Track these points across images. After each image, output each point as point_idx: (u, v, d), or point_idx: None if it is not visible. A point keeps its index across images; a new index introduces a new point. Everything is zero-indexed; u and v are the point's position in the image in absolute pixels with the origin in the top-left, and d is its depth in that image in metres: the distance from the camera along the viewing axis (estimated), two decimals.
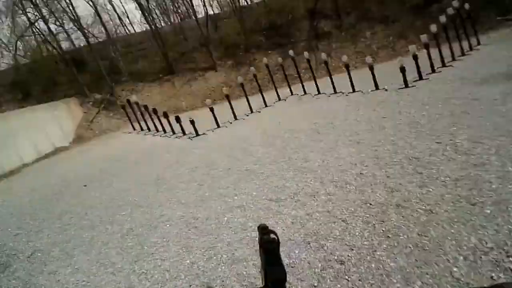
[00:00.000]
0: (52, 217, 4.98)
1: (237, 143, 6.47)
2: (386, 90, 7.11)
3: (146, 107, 10.35)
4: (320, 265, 2.54)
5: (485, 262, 2.05)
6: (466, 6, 8.44)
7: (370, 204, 3.11)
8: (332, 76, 8.65)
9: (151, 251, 3.33)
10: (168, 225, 3.80)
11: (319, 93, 8.90)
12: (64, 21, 17.07)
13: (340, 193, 3.48)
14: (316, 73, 10.06)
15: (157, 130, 9.97)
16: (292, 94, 9.89)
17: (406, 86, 6.79)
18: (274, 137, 6.09)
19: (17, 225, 5.03)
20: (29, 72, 15.94)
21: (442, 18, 7.77)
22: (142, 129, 11.05)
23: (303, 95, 9.48)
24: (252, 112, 9.11)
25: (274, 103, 9.56)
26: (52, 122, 12.05)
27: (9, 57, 18.67)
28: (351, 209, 3.15)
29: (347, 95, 7.84)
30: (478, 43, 8.80)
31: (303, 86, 9.62)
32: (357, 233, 2.78)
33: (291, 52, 10.03)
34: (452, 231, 2.38)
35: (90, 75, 15.83)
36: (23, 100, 15.30)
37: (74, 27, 16.87)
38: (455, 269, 2.07)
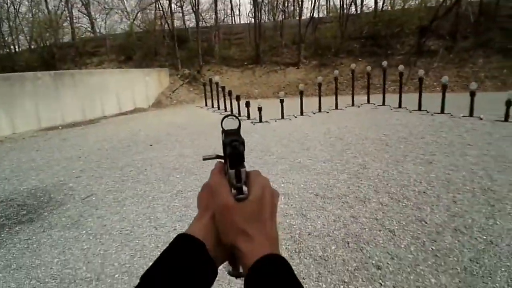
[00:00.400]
0: (115, 167, 5.43)
1: (297, 137, 6.52)
2: (481, 119, 6.31)
3: (223, 88, 11.13)
4: (355, 265, 2.49)
5: None
6: None
7: (426, 222, 2.89)
8: (422, 94, 7.98)
9: (193, 215, 3.63)
10: None
11: (400, 106, 8.32)
12: (184, 2, 19.34)
13: (394, 206, 3.30)
14: (404, 88, 9.41)
15: (225, 110, 10.64)
16: (368, 102, 9.46)
17: (506, 120, 5.92)
18: (336, 139, 5.97)
19: (82, 168, 5.51)
20: (138, 40, 18.48)
21: None
22: (213, 106, 11.93)
23: (380, 105, 8.99)
24: (320, 111, 9.03)
25: (346, 107, 9.29)
26: (140, 86, 13.76)
27: (126, 24, 21.97)
28: (403, 222, 2.97)
29: (432, 115, 7.18)
30: None
31: (384, 97, 9.11)
32: (402, 246, 2.64)
33: (384, 63, 9.56)
34: (508, 263, 2.09)
35: (187, 52, 17.61)
36: (123, 62, 17.88)
37: (191, 9, 18.94)
38: None
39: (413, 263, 2.35)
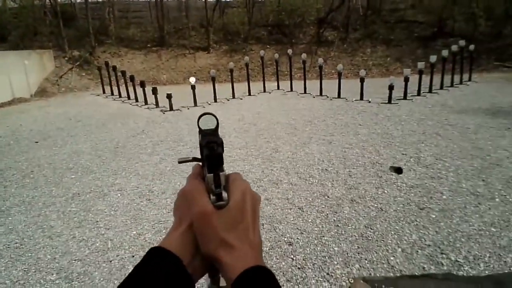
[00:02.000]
0: None
1: None
2: (369, 102, 7.48)
3: (123, 72, 10.09)
4: (269, 244, 2.65)
5: (420, 256, 2.25)
6: (471, 47, 9.15)
7: (328, 196, 3.28)
8: (323, 81, 8.94)
9: (96, 219, 3.27)
10: (119, 195, 3.75)
11: (305, 92, 9.15)
12: None
13: (302, 184, 3.63)
14: (308, 75, 10.33)
15: (129, 98, 9.76)
16: (278, 88, 10.08)
17: (389, 102, 7.18)
18: (250, 125, 6.18)
19: None
20: (12, 17, 15.00)
21: (444, 52, 8.33)
22: (112, 94, 10.76)
23: (289, 91, 9.70)
24: (234, 97, 9.18)
25: (258, 93, 9.68)
26: (18, 71, 11.36)
27: None
28: (309, 199, 3.31)
29: (331, 100, 8.15)
30: (469, 79, 9.44)
31: (291, 84, 9.84)
32: (310, 220, 2.94)
33: (289, 51, 10.24)
34: (397, 227, 2.59)
35: (75, 32, 15.17)
36: None
37: None
38: (392, 258, 2.26)
39: (319, 235, 2.64)
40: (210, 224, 0.38)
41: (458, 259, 2.26)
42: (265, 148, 4.87)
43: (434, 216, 2.73)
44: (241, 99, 9.15)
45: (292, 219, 2.99)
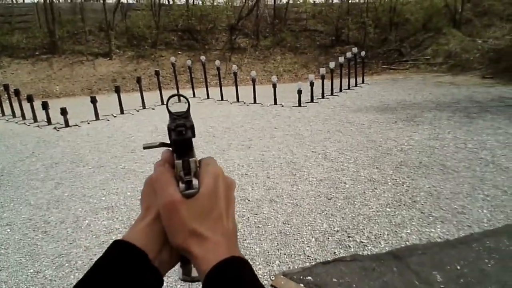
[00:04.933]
0: None
1: (117, 139, 6.05)
2: (282, 106, 8.12)
3: (6, 86, 8.62)
4: None
5: (331, 242, 2.55)
6: (362, 53, 10.82)
7: (248, 200, 3.41)
8: (238, 87, 9.26)
9: None
10: (8, 230, 3.22)
11: (222, 99, 9.32)
12: None
13: None
14: (223, 81, 10.54)
15: (14, 116, 8.35)
16: (194, 96, 10.01)
17: (299, 105, 7.93)
18: (165, 136, 5.94)
19: None
20: None
21: (341, 59, 9.66)
22: None
23: (205, 98, 9.73)
24: (144, 108, 8.74)
25: None
26: None
27: None
28: None
29: (248, 105, 8.53)
30: (363, 82, 11.05)
31: (207, 91, 9.90)
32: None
33: (203, 57, 10.28)
34: (310, 219, 2.87)
35: None
36: None
37: None
38: (307, 248, 2.49)
39: (241, 239, 2.73)
40: (178, 214, 0.36)
41: (362, 240, 2.63)
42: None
43: (340, 204, 3.12)
44: (153, 109, 8.78)
45: None
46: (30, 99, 7.62)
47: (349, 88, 10.11)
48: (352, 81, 10.48)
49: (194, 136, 0.40)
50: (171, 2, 18.16)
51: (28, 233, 3.15)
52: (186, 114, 0.42)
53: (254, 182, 3.81)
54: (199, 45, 15.83)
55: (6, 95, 8.79)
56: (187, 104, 0.42)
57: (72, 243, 2.96)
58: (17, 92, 8.09)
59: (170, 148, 0.43)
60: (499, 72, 10.31)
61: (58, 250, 2.86)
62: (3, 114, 8.82)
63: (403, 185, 3.56)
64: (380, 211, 3.06)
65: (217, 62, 9.90)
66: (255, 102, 8.65)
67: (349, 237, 2.63)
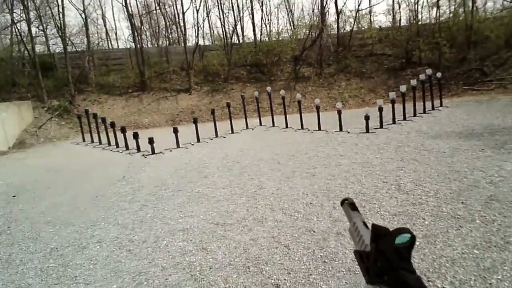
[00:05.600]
0: None
1: (194, 165, 6.50)
2: (349, 132, 7.78)
3: (104, 119, 10.15)
4: None
5: None
6: (438, 74, 9.94)
7: (314, 231, 3.28)
8: (302, 114, 9.29)
9: (75, 274, 3.14)
10: (98, 247, 3.64)
11: (286, 127, 9.42)
12: (48, 26, 16.85)
13: (288, 220, 3.63)
14: (288, 110, 10.73)
15: (109, 144, 9.70)
16: (260, 124, 10.33)
17: (367, 131, 7.50)
18: (234, 163, 6.24)
19: None
20: None
21: (413, 82, 8.96)
22: (93, 141, 10.69)
23: (271, 126, 9.96)
24: (217, 136, 9.31)
25: (241, 130, 9.88)
26: None
27: None
28: (295, 235, 3.29)
29: (312, 132, 8.43)
30: (441, 105, 10.03)
31: (272, 119, 10.14)
32: (296, 258, 2.90)
33: (268, 88, 10.71)
34: None
35: (54, 81, 15.38)
36: None
37: (57, 33, 16.71)
38: None
39: (306, 273, 2.61)
40: None
41: (445, 285, 2.27)
42: (249, 186, 4.89)
43: (417, 243, 2.77)
44: (224, 137, 9.29)
45: (278, 258, 2.95)
46: (123, 130, 8.79)
47: (424, 112, 9.25)
48: (428, 104, 9.57)
49: None
50: (241, 41, 19.58)
51: (115, 251, 3.48)
52: (409, 250, 0.38)
53: (319, 212, 3.66)
54: (265, 77, 16.53)
55: (103, 127, 10.27)
56: (410, 236, 0.38)
57: (151, 262, 3.19)
58: (112, 124, 9.42)
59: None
60: None
61: (139, 269, 3.10)
62: (100, 143, 10.31)
63: (493, 223, 3.03)
64: (466, 253, 2.63)
65: (282, 92, 10.14)
66: (319, 129, 8.52)
67: (429, 281, 2.30)
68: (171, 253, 3.31)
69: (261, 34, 19.19)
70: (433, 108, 9.63)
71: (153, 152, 7.98)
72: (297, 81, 15.96)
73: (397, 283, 0.36)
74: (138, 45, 16.90)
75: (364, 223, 0.48)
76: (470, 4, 15.48)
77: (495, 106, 9.17)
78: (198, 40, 18.70)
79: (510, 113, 7.84)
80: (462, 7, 15.93)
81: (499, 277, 2.29)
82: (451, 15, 16.28)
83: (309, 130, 8.74)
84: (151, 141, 7.96)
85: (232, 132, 9.74)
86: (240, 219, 3.82)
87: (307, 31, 17.53)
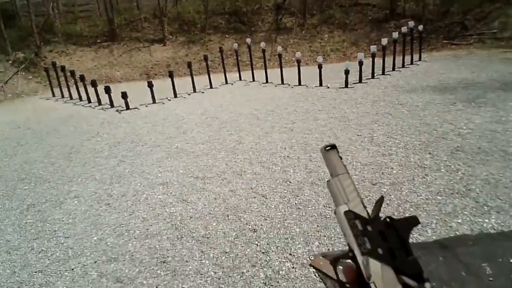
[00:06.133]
0: None
1: (172, 121, 6.42)
2: (328, 87, 7.81)
3: (72, 72, 9.53)
4: (234, 234, 2.76)
5: None
6: (420, 27, 9.77)
7: (290, 182, 3.45)
8: (283, 69, 9.13)
9: (54, 229, 3.20)
10: (76, 202, 3.67)
11: (267, 82, 9.29)
12: None
13: (266, 173, 3.77)
14: (268, 63, 10.46)
15: (81, 99, 9.28)
16: (240, 79, 10.12)
17: (346, 86, 7.56)
18: (213, 118, 6.20)
19: None
20: None
21: (395, 34, 8.83)
22: (63, 96, 10.16)
23: (251, 81, 9.78)
24: (195, 91, 9.09)
25: (220, 85, 9.67)
26: None
27: None
28: (272, 186, 3.45)
29: (292, 87, 8.39)
30: (420, 59, 10.08)
31: (253, 74, 9.92)
32: (273, 206, 3.08)
33: (248, 40, 10.26)
34: None
35: (18, 31, 13.95)
36: None
37: None
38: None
39: (281, 219, 2.80)
40: None
41: None
42: (228, 141, 4.94)
43: (385, 189, 3.00)
44: (203, 92, 9.09)
45: (256, 207, 3.12)
46: (94, 84, 8.36)
47: (403, 66, 9.32)
48: (408, 58, 9.63)
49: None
50: None
51: (93, 205, 3.55)
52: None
53: (296, 165, 3.81)
54: (245, 27, 15.74)
55: (72, 80, 9.69)
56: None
57: (131, 214, 3.29)
58: (82, 78, 8.90)
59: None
60: None
61: (119, 221, 3.20)
62: (71, 98, 9.83)
63: (457, 172, 3.29)
64: (430, 199, 2.88)
65: (263, 44, 9.78)
66: (299, 84, 8.46)
67: None
68: (151, 205, 3.41)
69: None
70: (411, 63, 9.71)
71: (127, 108, 7.74)
72: (278, 33, 15.36)
73: (410, 266, 0.35)
74: None
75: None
76: None
77: (472, 61, 9.37)
78: None
79: (485, 68, 8.07)
80: None
81: (459, 221, 2.56)
82: None
83: (289, 85, 8.68)
84: (124, 95, 7.67)
85: (211, 87, 9.51)
86: (220, 173, 3.93)
87: None
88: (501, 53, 9.93)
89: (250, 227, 2.81)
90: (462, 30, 13.03)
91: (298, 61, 8.49)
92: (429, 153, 3.75)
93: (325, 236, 2.47)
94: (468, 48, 11.71)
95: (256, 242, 2.59)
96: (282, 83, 8.90)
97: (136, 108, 7.82)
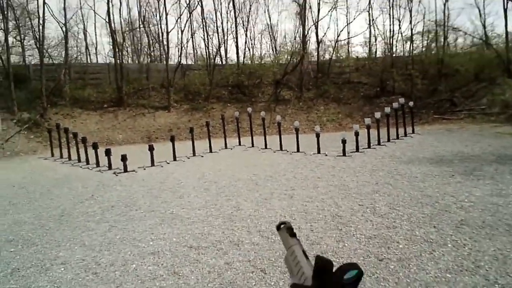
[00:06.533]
0: None
1: (168, 185, 6.34)
2: (326, 155, 7.96)
3: (75, 134, 9.79)
4: None
5: None
6: (411, 103, 10.59)
7: None
8: (282, 136, 9.43)
9: None
10: (62, 269, 3.40)
11: (266, 147, 9.49)
12: (26, 37, 16.42)
13: (265, 243, 3.57)
14: (267, 131, 10.87)
15: (79, 161, 9.31)
16: (240, 144, 10.35)
17: (344, 155, 7.73)
18: (211, 183, 6.14)
19: None
20: None
21: (387, 109, 9.47)
22: (61, 157, 10.21)
23: (250, 147, 9.99)
24: (194, 155, 9.19)
25: (219, 150, 9.83)
26: None
27: None
28: (272, 259, 3.23)
29: (291, 154, 8.54)
30: (413, 132, 10.55)
31: (252, 139, 10.20)
32: (272, 283, 2.84)
33: (249, 109, 10.87)
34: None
35: (27, 93, 14.77)
36: None
37: (34, 45, 16.27)
38: None
39: None
40: None
41: None
42: (226, 207, 4.81)
43: (392, 266, 2.80)
44: (202, 156, 9.20)
45: (254, 283, 2.87)
46: (95, 146, 8.48)
47: (397, 138, 9.68)
48: (401, 131, 10.04)
49: None
50: (224, 63, 19.95)
51: (80, 273, 3.27)
52: (355, 286, 0.37)
53: (297, 235, 3.64)
54: (246, 98, 16.81)
55: (74, 142, 9.87)
56: (357, 271, 0.38)
57: (118, 286, 3.00)
58: (84, 140, 9.08)
59: None
60: None
61: None
62: (70, 159, 9.87)
63: (464, 247, 3.13)
64: (439, 277, 2.68)
65: (262, 113, 10.32)
66: (298, 151, 8.65)
67: None
68: (140, 277, 3.14)
69: (244, 57, 19.69)
70: (405, 135, 10.10)
71: (125, 170, 7.72)
72: (277, 104, 16.32)
73: None
74: (118, 60, 16.74)
75: (304, 253, 0.45)
76: (442, 39, 16.82)
77: (464, 134, 9.77)
78: (181, 59, 18.83)
79: (478, 142, 8.36)
80: (434, 42, 17.28)
81: None
82: (424, 49, 17.58)
83: (287, 151, 8.86)
84: (124, 158, 7.71)
85: (211, 151, 9.67)
86: (215, 242, 3.72)
87: (289, 57, 18.22)
88: (492, 128, 10.42)
89: None
90: (451, 106, 13.93)
91: (297, 129, 8.84)
92: (434, 226, 3.63)
93: None
94: (459, 122, 12.34)
95: None
96: (281, 149, 9.11)
97: (133, 170, 7.79)
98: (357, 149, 8.12)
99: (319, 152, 8.26)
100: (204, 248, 3.61)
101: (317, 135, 8.26)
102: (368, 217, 3.94)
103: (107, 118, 15.08)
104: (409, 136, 10.11)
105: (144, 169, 7.97)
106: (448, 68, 15.54)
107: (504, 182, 4.91)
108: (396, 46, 18.22)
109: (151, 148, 8.23)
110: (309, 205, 4.52)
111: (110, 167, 8.08)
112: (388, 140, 9.28)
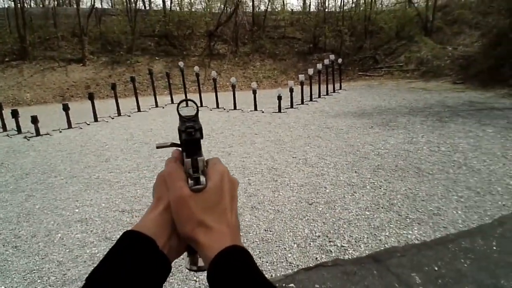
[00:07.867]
0: None
1: (91, 148, 5.84)
2: (263, 112, 8.15)
3: None
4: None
5: (313, 247, 2.55)
6: (339, 60, 11.18)
7: None
8: (218, 93, 9.22)
9: None
10: None
11: (201, 105, 9.24)
12: None
13: None
14: (202, 87, 10.48)
15: None
16: (172, 102, 9.87)
17: (279, 111, 7.99)
18: (141, 144, 5.83)
19: None
20: None
21: (319, 66, 9.90)
22: None
23: None
24: (120, 115, 8.50)
25: (149, 109, 9.26)
26: None
27: None
28: None
29: (228, 112, 8.50)
30: (340, 88, 11.33)
31: (186, 97, 9.77)
32: None
33: (181, 63, 10.18)
34: (292, 225, 2.86)
35: None
36: None
37: None
38: (289, 255, 2.47)
39: None
40: (187, 207, 0.40)
41: (343, 244, 2.64)
42: (160, 168, 4.65)
43: (321, 208, 3.14)
44: (129, 116, 8.56)
45: None
46: None
47: (327, 94, 10.32)
48: (330, 87, 10.72)
49: (202, 137, 0.44)
50: (147, 8, 17.97)
51: None
52: (195, 118, 0.46)
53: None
54: (177, 51, 15.70)
55: None
56: (195, 108, 0.47)
57: (44, 258, 2.80)
58: None
59: (180, 148, 0.47)
60: (469, 77, 10.87)
61: (30, 266, 2.70)
62: None
63: (380, 188, 3.64)
64: (360, 215, 3.10)
65: (196, 68, 9.84)
66: (235, 108, 8.64)
67: (330, 242, 2.65)
68: (68, 246, 2.96)
69: (171, 3, 17.91)
70: (334, 91, 10.84)
71: (37, 134, 6.82)
72: (211, 58, 15.67)
73: (181, 140, 0.45)
74: (19, 3, 13.82)
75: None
76: None
77: (383, 90, 10.85)
78: (94, 1, 16.32)
79: (395, 96, 9.40)
80: None
81: (387, 233, 2.78)
82: (353, 5, 18.28)
83: (224, 109, 8.78)
84: (34, 120, 6.76)
85: (139, 110, 9.04)
86: (150, 203, 3.64)
87: (222, 6, 17.21)
88: (407, 83, 11.76)
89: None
90: (374, 64, 15.14)
91: (233, 86, 8.71)
92: (355, 171, 4.10)
93: (267, 262, 2.43)
94: (380, 79, 13.59)
95: (195, 278, 2.42)
96: (217, 107, 8.97)
97: (48, 134, 6.94)
98: (292, 105, 8.46)
99: (256, 109, 8.38)
100: (138, 210, 3.52)
101: (254, 92, 8.30)
102: (301, 167, 4.26)
103: (10, 73, 12.75)
104: (337, 92, 10.85)
105: (60, 131, 7.14)
106: (374, 25, 16.57)
107: (415, 131, 5.71)
108: (329, 0, 18.59)
109: (66, 108, 7.32)
110: (246, 161, 4.66)
111: (19, 130, 7.05)
112: (319, 96, 9.85)
